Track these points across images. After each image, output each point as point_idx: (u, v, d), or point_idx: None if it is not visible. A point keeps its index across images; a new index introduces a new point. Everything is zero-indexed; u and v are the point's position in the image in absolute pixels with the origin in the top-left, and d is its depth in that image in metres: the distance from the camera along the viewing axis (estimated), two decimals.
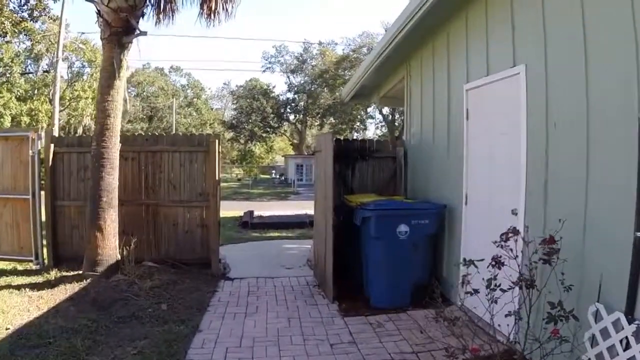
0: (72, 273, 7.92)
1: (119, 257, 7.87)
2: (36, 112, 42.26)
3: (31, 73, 44.48)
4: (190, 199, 8.50)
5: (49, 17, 33.44)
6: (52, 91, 30.72)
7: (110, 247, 7.68)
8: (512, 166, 5.24)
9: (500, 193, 5.56)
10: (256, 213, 20.30)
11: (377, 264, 6.49)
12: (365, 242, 6.62)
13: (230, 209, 26.23)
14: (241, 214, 21.01)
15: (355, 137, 65.97)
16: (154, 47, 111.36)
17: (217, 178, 8.16)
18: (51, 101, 46.21)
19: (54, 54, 43.42)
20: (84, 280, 7.45)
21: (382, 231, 6.35)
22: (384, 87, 10.55)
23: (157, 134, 8.64)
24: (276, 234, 13.32)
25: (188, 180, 8.48)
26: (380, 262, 6.46)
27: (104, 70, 7.79)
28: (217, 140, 8.22)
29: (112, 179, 7.65)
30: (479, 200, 6.01)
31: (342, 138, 11.54)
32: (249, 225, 14.77)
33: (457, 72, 6.68)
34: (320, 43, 59.88)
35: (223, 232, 13.14)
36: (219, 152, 8.24)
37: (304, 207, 30.22)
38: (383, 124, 54.88)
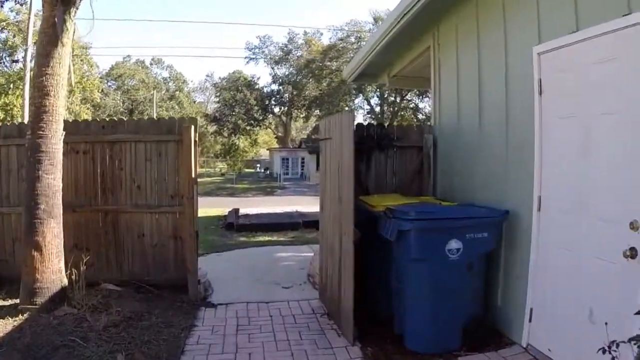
0: (9, 302, 6.05)
1: (65, 281, 5.95)
2: (11, 106, 39.98)
3: (5, 65, 42.08)
4: (160, 202, 6.59)
5: (15, 1, 31.09)
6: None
7: (53, 270, 5.77)
8: (628, 159, 3.50)
9: (602, 197, 3.80)
10: (242, 211, 18.58)
11: (418, 293, 4.69)
12: (400, 264, 4.81)
13: (213, 206, 24.36)
14: (225, 212, 19.28)
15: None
16: (133, 37, 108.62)
17: (193, 175, 6.25)
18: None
19: (30, 46, 41.19)
20: (20, 315, 5.57)
21: (427, 250, 4.55)
22: (397, 63, 8.75)
23: (116, 119, 6.61)
24: (266, 238, 11.46)
25: (156, 179, 6.57)
26: (422, 291, 4.66)
27: (43, 34, 5.80)
28: (192, 127, 6.30)
29: (53, 179, 5.71)
30: (562, 206, 4.24)
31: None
32: (235, 227, 12.91)
33: (520, 31, 4.89)
34: (305, 33, 58.08)
35: (205, 236, 11.33)
36: (195, 141, 6.36)
37: (292, 203, 28.52)
38: (372, 115, 53.14)
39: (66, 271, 6.02)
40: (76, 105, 45.71)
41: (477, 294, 4.92)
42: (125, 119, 6.68)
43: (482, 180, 5.54)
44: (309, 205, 27.27)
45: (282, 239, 11.48)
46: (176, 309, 6.05)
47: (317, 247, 9.23)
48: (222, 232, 12.53)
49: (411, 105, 51.01)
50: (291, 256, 9.40)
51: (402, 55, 8.32)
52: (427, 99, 50.25)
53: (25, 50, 22.45)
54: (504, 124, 5.11)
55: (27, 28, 22.07)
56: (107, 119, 6.77)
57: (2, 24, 35.65)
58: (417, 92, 48.25)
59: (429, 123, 7.30)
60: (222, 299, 6.56)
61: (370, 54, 8.36)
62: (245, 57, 62.35)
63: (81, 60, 42.72)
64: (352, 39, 48.17)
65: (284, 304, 6.40)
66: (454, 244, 4.57)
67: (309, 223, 13.20)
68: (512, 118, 5.01)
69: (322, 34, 58.32)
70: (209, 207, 23.77)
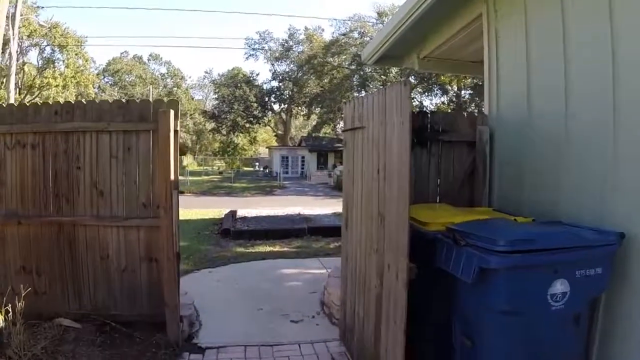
0: None
1: (0, 321, 4.39)
2: (1, 100, 38.46)
3: None
4: (129, 213, 4.95)
5: None
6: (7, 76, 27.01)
7: None
8: None
9: None
10: (240, 212, 17.06)
11: (499, 357, 3.12)
12: (473, 314, 3.23)
13: (209, 206, 22.83)
14: (222, 213, 17.75)
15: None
16: (129, 29, 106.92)
17: (172, 177, 4.63)
18: (19, 89, 42.56)
19: (22, 39, 39.59)
20: None
21: (523, 298, 2.96)
22: (431, 41, 7.14)
23: (72, 101, 4.99)
24: (267, 249, 9.84)
25: (124, 182, 4.94)
26: (506, 355, 3.10)
27: None
28: (171, 111, 4.69)
29: None
30: None
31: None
32: (231, 233, 11.31)
33: None
34: (306, 28, 56.47)
35: (197, 245, 9.86)
36: (176, 131, 4.75)
37: (293, 203, 26.91)
38: None
39: (7, 303, 4.45)
40: (70, 100, 44.16)
41: (580, 355, 3.36)
42: (84, 101, 5.04)
43: (572, 187, 3.94)
44: (311, 206, 25.82)
45: (285, 249, 9.89)
46: (150, 357, 4.49)
47: (332, 265, 7.73)
48: (217, 240, 10.93)
49: (414, 103, 49.48)
50: (298, 274, 7.83)
51: (438, 29, 6.73)
52: (437, 94, 48.86)
53: (12, 40, 20.72)
54: (609, 111, 3.52)
55: (14, 16, 20.33)
56: (63, 102, 5.12)
57: None
58: (422, 90, 46.80)
59: (477, 111, 5.70)
60: (213, 338, 5.00)
61: (399, 29, 6.76)
62: (245, 53, 60.73)
63: (76, 55, 41.14)
64: (356, 35, 46.53)
65: (294, 348, 4.83)
66: (559, 287, 2.99)
67: (315, 230, 11.64)
68: (622, 103, 3.43)
69: (323, 29, 56.82)
70: (205, 208, 22.22)
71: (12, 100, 20.26)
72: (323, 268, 8.08)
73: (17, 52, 20.97)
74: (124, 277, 5.00)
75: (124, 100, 5.02)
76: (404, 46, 7.58)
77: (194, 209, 21.77)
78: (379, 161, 3.65)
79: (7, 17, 32.25)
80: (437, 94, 46.36)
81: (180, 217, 13.87)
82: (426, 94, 47.33)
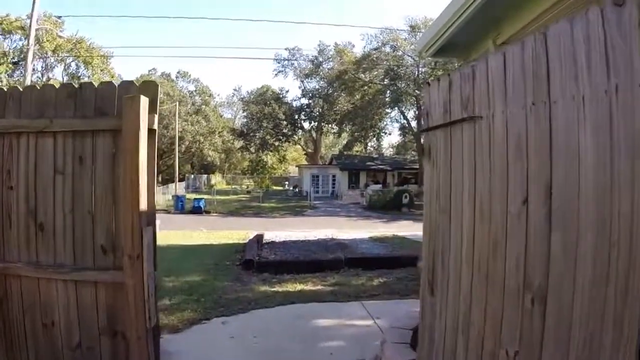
0: None
1: None
2: None
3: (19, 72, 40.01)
4: (83, 260, 3.17)
5: None
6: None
7: None
8: None
9: None
10: (267, 235, 15.41)
11: None
12: None
13: (235, 228, 21.18)
14: (247, 236, 16.10)
15: (375, 145, 60.97)
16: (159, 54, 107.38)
17: (145, 205, 2.85)
18: None
19: (46, 53, 39.01)
20: None
21: None
22: (514, 20, 5.33)
23: (3, 89, 3.21)
24: (297, 287, 7.95)
25: (75, 211, 3.19)
26: None
27: None
28: (144, 99, 2.91)
29: None
30: None
31: None
32: (254, 265, 9.50)
33: None
34: (336, 45, 55.01)
35: (213, 281, 8.19)
36: (152, 130, 2.97)
37: (325, 225, 24.99)
38: (407, 132, 49.66)
39: None
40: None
41: None
42: (20, 88, 3.33)
43: None
44: (344, 228, 23.89)
45: (319, 287, 8.02)
46: None
47: (379, 311, 5.90)
48: (237, 273, 9.12)
49: None
50: (337, 327, 5.96)
51: (525, 5, 4.93)
52: None
53: (27, 51, 19.57)
54: None
55: (30, 25, 19.17)
56: None
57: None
58: None
59: None
60: None
61: (470, 4, 5.01)
62: (274, 70, 59.60)
63: (101, 70, 40.42)
64: (387, 48, 44.75)
65: None
66: None
67: (354, 261, 9.77)
68: None
69: (354, 45, 55.18)
70: (231, 230, 20.55)
71: None
72: (369, 317, 6.22)
73: (32, 62, 19.76)
74: (76, 357, 3.23)
75: (76, 85, 3.24)
76: (473, 31, 5.78)
77: (218, 230, 20.17)
78: (529, 181, 1.81)
79: (22, 28, 31.63)
80: None
81: (202, 242, 12.09)
82: None
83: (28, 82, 19.70)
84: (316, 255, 10.89)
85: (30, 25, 19.25)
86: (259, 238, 13.88)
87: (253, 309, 6.66)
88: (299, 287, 7.95)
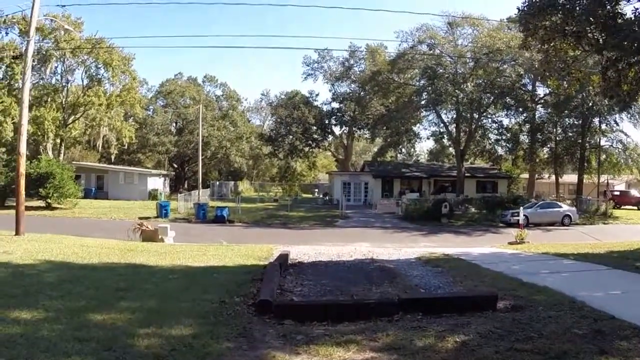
0: None
1: None
2: (42, 119, 36.05)
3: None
4: None
5: None
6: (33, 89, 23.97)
7: None
8: None
9: None
10: (294, 252, 13.47)
11: None
12: None
13: (259, 240, 18.57)
14: (271, 252, 13.86)
15: (409, 151, 57.95)
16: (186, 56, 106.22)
17: None
18: (63, 108, 40.26)
19: (66, 56, 37.26)
20: None
21: None
22: None
23: None
24: (336, 354, 5.16)
25: None
26: None
27: None
28: None
29: None
30: None
31: None
32: (272, 309, 6.69)
33: None
34: (368, 46, 52.20)
35: (204, 342, 5.38)
36: None
37: (359, 238, 22.01)
38: (442, 135, 46.42)
39: None
40: (117, 120, 41.51)
41: None
42: None
43: None
44: (380, 241, 20.66)
45: (369, 355, 5.20)
46: None
47: None
48: (247, 322, 6.28)
49: (490, 125, 44.06)
50: None
51: None
52: (516, 113, 43.24)
53: (27, 43, 17.33)
54: None
55: (31, 16, 16.93)
56: None
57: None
58: (502, 105, 41.41)
59: None
60: None
61: None
62: (303, 73, 57.17)
63: (122, 72, 38.46)
64: (424, 47, 41.56)
65: None
66: None
67: (410, 303, 6.96)
68: None
69: (386, 47, 52.19)
70: (253, 242, 17.83)
71: (24, 116, 16.78)
72: None
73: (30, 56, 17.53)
74: None
75: None
76: None
77: (239, 243, 17.46)
78: None
79: (23, 18, 29.70)
80: None
81: (214, 261, 8.21)
82: (508, 111, 42.04)
83: (28, 75, 17.51)
84: (357, 289, 8.15)
85: (31, 17, 17.03)
86: (283, 259, 11.17)
87: None
88: (338, 353, 5.15)
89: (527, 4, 14.75)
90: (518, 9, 15.15)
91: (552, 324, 6.19)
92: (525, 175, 49.87)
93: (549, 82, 18.10)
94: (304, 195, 52.18)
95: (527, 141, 43.88)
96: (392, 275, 9.55)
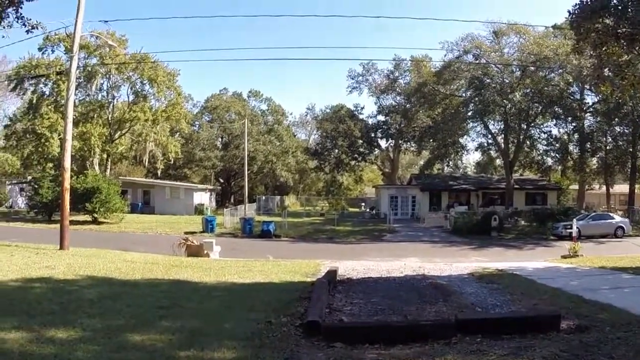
0: None
1: None
2: (88, 135, 37.06)
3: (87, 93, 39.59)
4: None
5: None
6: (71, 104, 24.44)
7: None
8: None
9: None
10: (342, 267, 13.21)
11: None
12: None
13: (305, 256, 18.36)
14: (318, 268, 13.60)
15: (457, 163, 57.02)
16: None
17: None
18: (109, 124, 41.33)
19: (111, 72, 38.29)
20: None
21: None
22: None
23: None
24: None
25: None
26: None
27: None
28: None
29: None
30: None
31: None
32: (321, 331, 6.45)
33: None
34: (412, 57, 51.82)
35: None
36: None
37: (408, 253, 21.48)
38: (489, 146, 45.35)
39: None
40: (163, 135, 42.28)
41: None
42: None
43: None
44: (429, 256, 20.22)
45: None
46: None
47: None
48: (294, 344, 6.07)
49: (538, 135, 42.83)
50: None
51: None
52: (564, 123, 41.96)
53: (71, 59, 17.80)
54: None
55: (75, 24, 17.35)
56: None
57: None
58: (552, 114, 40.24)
59: None
60: None
61: None
62: (348, 87, 57.14)
63: (167, 88, 39.26)
64: (470, 57, 40.83)
65: None
66: None
67: (469, 324, 6.59)
68: None
69: (431, 58, 51.53)
70: (301, 258, 17.68)
71: (69, 131, 17.13)
72: None
73: (76, 71, 18.02)
74: None
75: None
76: None
77: (286, 259, 17.33)
78: None
79: (68, 36, 30.50)
80: None
81: (260, 278, 7.76)
82: (558, 120, 40.79)
83: (72, 91, 17.95)
84: (409, 308, 7.83)
85: (74, 33, 17.48)
86: (331, 275, 10.93)
87: None
88: None
89: (578, 6, 14.22)
90: (569, 12, 14.64)
91: (622, 346, 5.72)
92: (575, 186, 48.04)
93: (602, 88, 17.33)
94: (351, 209, 51.80)
95: (576, 151, 42.67)
96: (445, 292, 9.18)
